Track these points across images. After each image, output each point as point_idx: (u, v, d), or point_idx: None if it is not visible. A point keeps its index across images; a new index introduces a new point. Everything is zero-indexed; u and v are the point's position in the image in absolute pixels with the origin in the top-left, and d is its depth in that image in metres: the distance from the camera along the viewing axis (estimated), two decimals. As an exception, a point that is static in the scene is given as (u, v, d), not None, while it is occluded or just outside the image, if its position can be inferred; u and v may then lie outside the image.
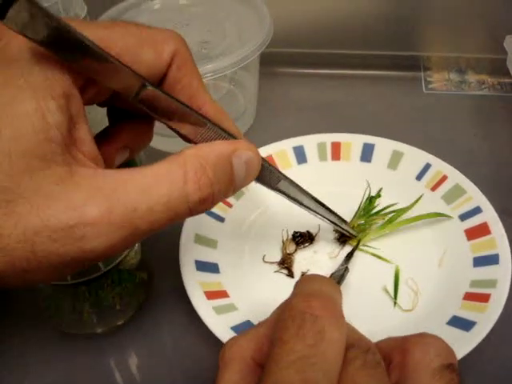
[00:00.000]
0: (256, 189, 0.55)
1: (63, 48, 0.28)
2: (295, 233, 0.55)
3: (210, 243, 0.53)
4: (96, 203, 0.27)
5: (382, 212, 0.56)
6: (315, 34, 0.78)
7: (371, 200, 0.56)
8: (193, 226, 0.53)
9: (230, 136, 0.36)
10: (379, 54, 0.78)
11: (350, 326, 0.28)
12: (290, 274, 0.53)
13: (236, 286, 0.50)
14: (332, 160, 0.61)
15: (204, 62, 0.58)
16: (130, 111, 0.37)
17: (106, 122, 0.38)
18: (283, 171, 0.55)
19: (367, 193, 0.57)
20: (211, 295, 0.48)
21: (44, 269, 0.28)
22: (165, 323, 0.50)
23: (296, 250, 0.55)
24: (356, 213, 0.56)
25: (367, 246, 0.54)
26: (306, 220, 0.55)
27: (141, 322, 0.50)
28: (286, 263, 0.53)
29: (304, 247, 0.55)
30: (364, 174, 0.58)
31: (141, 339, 0.49)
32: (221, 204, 0.56)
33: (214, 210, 0.56)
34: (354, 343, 0.26)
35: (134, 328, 0.49)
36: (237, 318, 0.47)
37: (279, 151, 0.61)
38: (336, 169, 0.60)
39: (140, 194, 0.28)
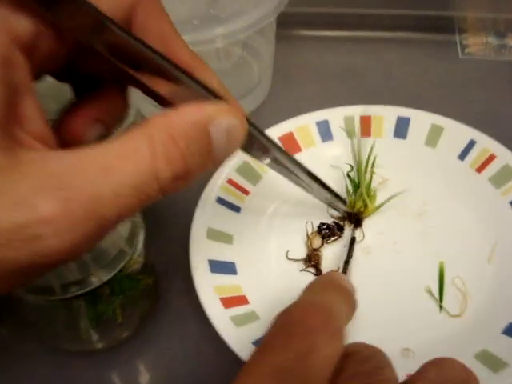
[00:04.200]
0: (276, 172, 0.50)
1: None
2: (321, 224, 0.50)
3: (225, 238, 0.48)
4: (50, 194, 0.24)
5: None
6: (338, -9, 0.72)
7: (350, 178, 0.52)
8: (204, 218, 0.48)
9: (210, 93, 0.31)
10: (409, 14, 0.73)
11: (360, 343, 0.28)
12: (318, 274, 0.47)
13: (257, 289, 0.45)
14: (361, 136, 0.55)
15: (213, 25, 0.52)
16: (96, 79, 0.33)
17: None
18: (305, 150, 0.54)
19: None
20: (228, 302, 0.43)
21: None
22: (175, 334, 0.46)
23: (323, 245, 0.49)
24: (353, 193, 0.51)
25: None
26: (333, 210, 0.50)
27: (147, 334, 0.46)
28: (312, 260, 0.48)
29: (332, 241, 0.49)
30: (398, 153, 0.53)
31: (147, 353, 0.45)
32: (236, 191, 0.51)
33: (229, 198, 0.50)
34: (354, 352, 0.26)
35: (139, 341, 0.46)
36: (259, 330, 0.42)
37: (300, 127, 0.55)
38: (366, 147, 0.54)
39: (102, 177, 0.24)
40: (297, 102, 0.63)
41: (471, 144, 0.52)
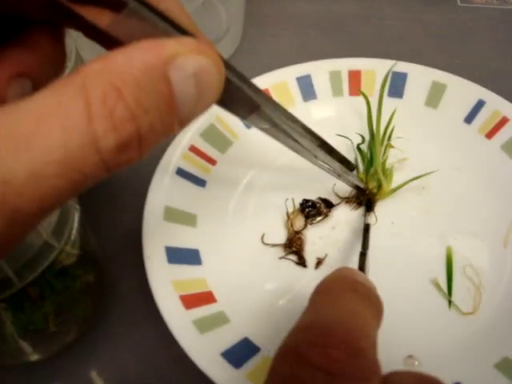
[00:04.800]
0: (249, 136, 0.46)
1: None
2: (304, 201, 0.43)
3: (187, 219, 0.42)
4: None
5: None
6: None
7: (360, 149, 0.46)
8: (161, 194, 0.42)
9: (172, 26, 0.24)
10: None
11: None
12: (301, 262, 0.40)
13: (226, 283, 0.39)
14: (350, 95, 0.50)
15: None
16: (20, 20, 0.27)
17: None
18: None
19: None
20: (191, 301, 0.37)
21: None
22: (126, 340, 0.40)
23: (306, 226, 0.42)
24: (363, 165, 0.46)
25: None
26: (319, 183, 0.43)
27: (92, 340, 0.40)
28: (293, 246, 0.41)
29: (318, 221, 0.42)
30: (394, 115, 0.47)
31: (93, 363, 0.39)
32: (201, 161, 0.44)
33: (191, 169, 0.43)
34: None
35: (82, 349, 0.40)
36: (229, 337, 0.35)
37: (278, 84, 0.49)
38: (356, 107, 0.49)
39: (13, 150, 0.19)
40: (273, 54, 0.58)
41: (479, 105, 0.47)
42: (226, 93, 0.24)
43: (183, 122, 0.23)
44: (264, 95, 0.29)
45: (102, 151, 0.20)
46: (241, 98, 0.27)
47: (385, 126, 0.45)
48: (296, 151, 0.34)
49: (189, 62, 0.22)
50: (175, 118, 0.22)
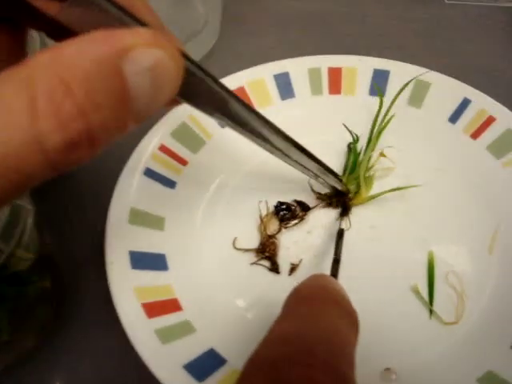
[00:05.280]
0: (223, 135, 0.44)
1: None
2: (279, 204, 0.41)
3: (154, 222, 0.39)
4: None
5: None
6: None
7: (350, 148, 0.44)
8: (127, 196, 0.39)
9: (128, 16, 0.22)
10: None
11: None
12: (274, 268, 0.38)
13: (193, 290, 0.36)
14: (330, 94, 0.47)
15: None
16: None
17: None
18: (260, 109, 0.44)
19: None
20: (154, 309, 0.34)
21: None
22: (87, 352, 0.37)
23: (280, 230, 0.40)
24: (345, 167, 0.43)
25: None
26: (295, 185, 0.41)
27: (49, 352, 0.37)
28: (266, 251, 0.38)
29: (293, 225, 0.40)
30: (375, 114, 0.45)
31: (54, 373, 0.37)
32: (171, 161, 0.41)
33: (161, 170, 0.41)
34: None
35: (39, 361, 0.37)
36: (193, 347, 0.33)
37: (254, 81, 0.47)
38: (336, 106, 0.47)
39: None
40: (251, 50, 0.56)
41: (465, 103, 0.45)
42: (188, 87, 0.23)
43: (138, 119, 0.21)
44: (230, 92, 0.27)
45: (47, 151, 0.19)
46: (206, 93, 0.25)
47: (376, 131, 0.43)
48: (267, 149, 0.32)
49: (144, 55, 0.20)
50: (129, 114, 0.21)
